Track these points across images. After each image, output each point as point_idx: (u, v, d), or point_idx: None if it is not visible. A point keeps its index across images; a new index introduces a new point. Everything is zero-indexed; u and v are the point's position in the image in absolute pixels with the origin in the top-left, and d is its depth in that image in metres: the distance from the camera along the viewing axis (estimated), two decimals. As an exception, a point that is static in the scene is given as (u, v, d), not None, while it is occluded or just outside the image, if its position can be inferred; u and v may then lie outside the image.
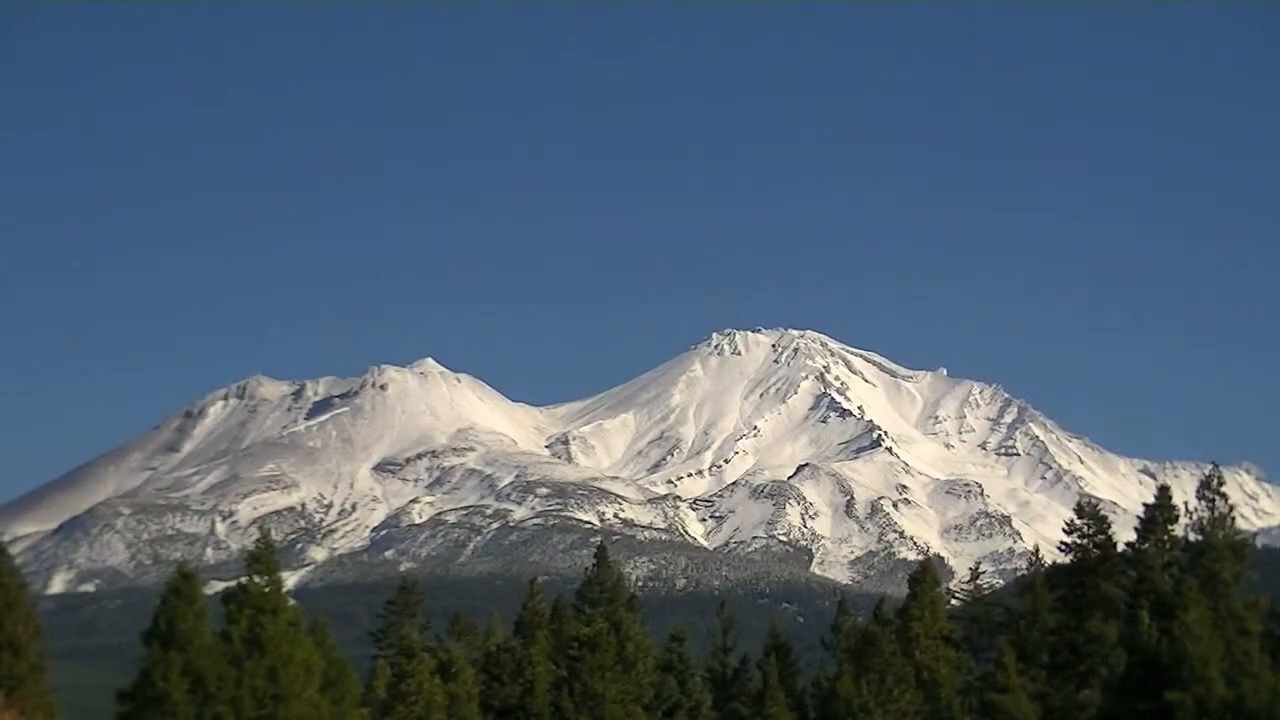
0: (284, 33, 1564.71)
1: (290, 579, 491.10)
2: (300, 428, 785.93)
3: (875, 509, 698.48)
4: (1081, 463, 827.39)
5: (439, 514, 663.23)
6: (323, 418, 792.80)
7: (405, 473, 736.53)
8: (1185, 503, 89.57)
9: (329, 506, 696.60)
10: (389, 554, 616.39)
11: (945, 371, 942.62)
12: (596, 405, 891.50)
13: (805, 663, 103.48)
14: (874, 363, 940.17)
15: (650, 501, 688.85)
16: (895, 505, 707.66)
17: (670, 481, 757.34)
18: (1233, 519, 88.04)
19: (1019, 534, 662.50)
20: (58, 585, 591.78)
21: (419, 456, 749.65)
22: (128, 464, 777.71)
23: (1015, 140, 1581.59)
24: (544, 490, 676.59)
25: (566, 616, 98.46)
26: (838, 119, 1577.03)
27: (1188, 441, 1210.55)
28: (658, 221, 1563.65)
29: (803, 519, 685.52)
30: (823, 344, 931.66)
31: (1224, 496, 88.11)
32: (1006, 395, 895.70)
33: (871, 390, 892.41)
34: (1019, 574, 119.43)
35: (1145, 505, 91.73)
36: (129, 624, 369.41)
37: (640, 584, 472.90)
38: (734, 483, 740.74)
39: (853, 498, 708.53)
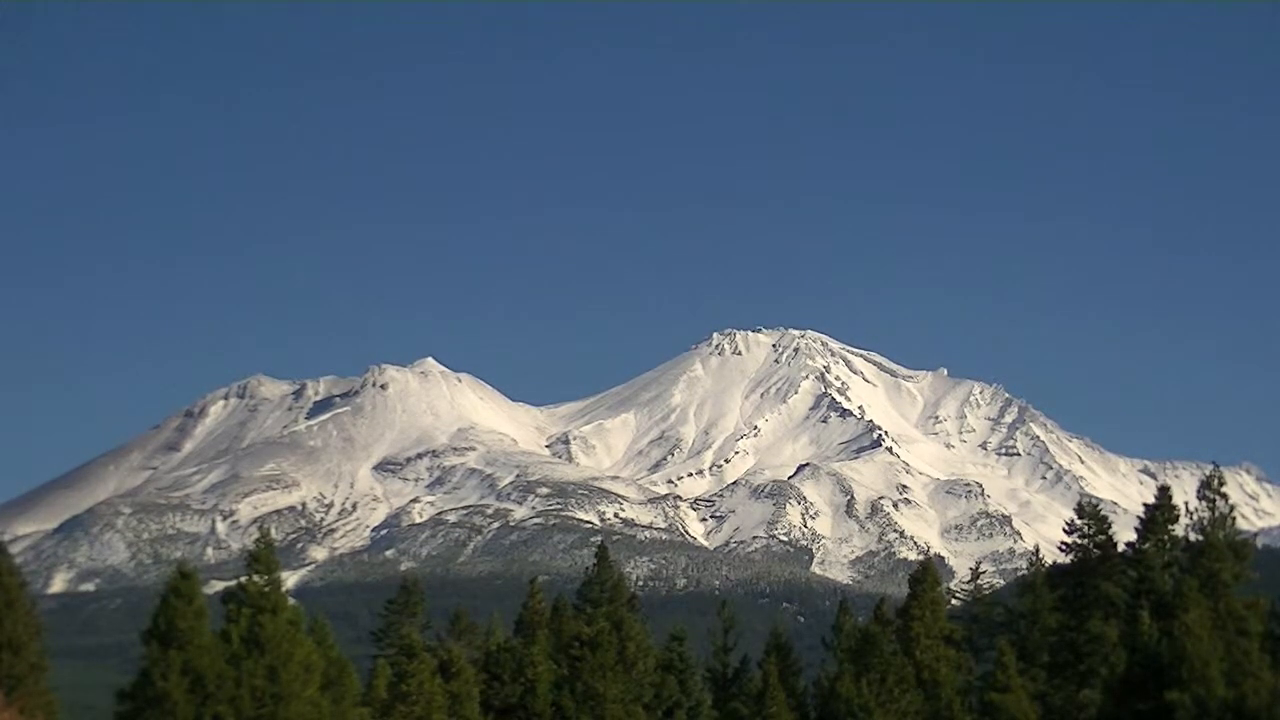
0: (285, 33, 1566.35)
1: (290, 578, 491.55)
2: (300, 427, 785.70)
3: (875, 509, 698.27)
4: (1082, 463, 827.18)
5: (439, 513, 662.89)
6: (323, 417, 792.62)
7: (406, 472, 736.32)
8: (1185, 503, 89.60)
9: (329, 506, 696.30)
10: (389, 553, 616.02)
11: (945, 371, 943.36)
12: (597, 405, 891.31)
13: (806, 663, 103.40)
14: (874, 363, 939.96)
15: (650, 501, 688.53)
16: (895, 505, 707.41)
17: (670, 481, 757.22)
18: (1233, 519, 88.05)
19: (1019, 534, 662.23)
20: (58, 585, 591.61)
21: (419, 456, 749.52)
22: (128, 464, 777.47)
23: (1016, 140, 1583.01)
24: (544, 490, 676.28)
25: (567, 616, 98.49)
26: (838, 119, 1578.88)
27: (1188, 441, 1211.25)
28: (658, 221, 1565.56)
29: (803, 519, 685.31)
30: (823, 344, 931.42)
31: (1224, 497, 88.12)
32: (1007, 395, 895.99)
33: (872, 390, 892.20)
34: (1019, 574, 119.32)
35: (1145, 505, 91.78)
36: (129, 623, 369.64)
37: (640, 584, 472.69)
38: (734, 482, 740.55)
39: (853, 498, 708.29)
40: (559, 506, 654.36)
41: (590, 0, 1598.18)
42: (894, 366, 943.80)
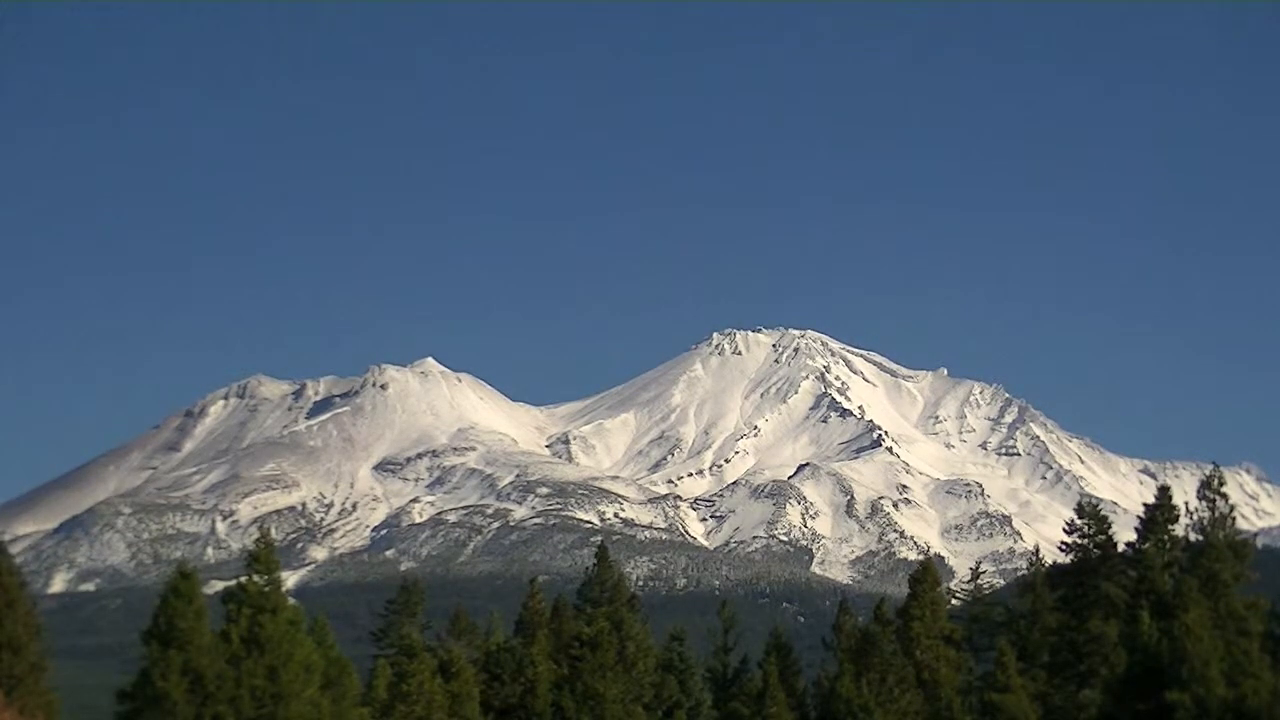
0: (285, 32, 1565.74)
1: (290, 578, 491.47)
2: (301, 427, 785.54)
3: (875, 509, 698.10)
4: (1082, 463, 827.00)
5: (439, 513, 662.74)
6: (323, 417, 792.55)
7: (406, 472, 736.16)
8: (1185, 503, 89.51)
9: (329, 506, 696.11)
10: (389, 553, 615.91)
11: (946, 371, 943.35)
12: (597, 405, 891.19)
13: (806, 662, 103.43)
14: (874, 363, 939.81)
15: (650, 501, 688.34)
16: (895, 505, 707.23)
17: (670, 481, 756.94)
18: (1233, 519, 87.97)
19: (1019, 534, 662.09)
20: (58, 585, 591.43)
21: (419, 456, 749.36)
22: (128, 463, 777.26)
23: (1015, 140, 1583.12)
24: (544, 490, 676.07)
25: (567, 616, 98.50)
26: (838, 119, 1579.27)
27: (1188, 441, 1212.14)
28: (658, 222, 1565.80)
29: (803, 519, 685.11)
30: (823, 344, 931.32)
31: (1224, 497, 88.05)
32: (1007, 395, 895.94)
33: (872, 390, 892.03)
34: (1019, 574, 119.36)
35: (1145, 505, 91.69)
36: (129, 623, 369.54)
37: (640, 584, 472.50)
38: (734, 482, 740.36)
39: (853, 497, 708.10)
40: (559, 506, 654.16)
41: (590, 0, 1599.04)
42: (894, 366, 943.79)
